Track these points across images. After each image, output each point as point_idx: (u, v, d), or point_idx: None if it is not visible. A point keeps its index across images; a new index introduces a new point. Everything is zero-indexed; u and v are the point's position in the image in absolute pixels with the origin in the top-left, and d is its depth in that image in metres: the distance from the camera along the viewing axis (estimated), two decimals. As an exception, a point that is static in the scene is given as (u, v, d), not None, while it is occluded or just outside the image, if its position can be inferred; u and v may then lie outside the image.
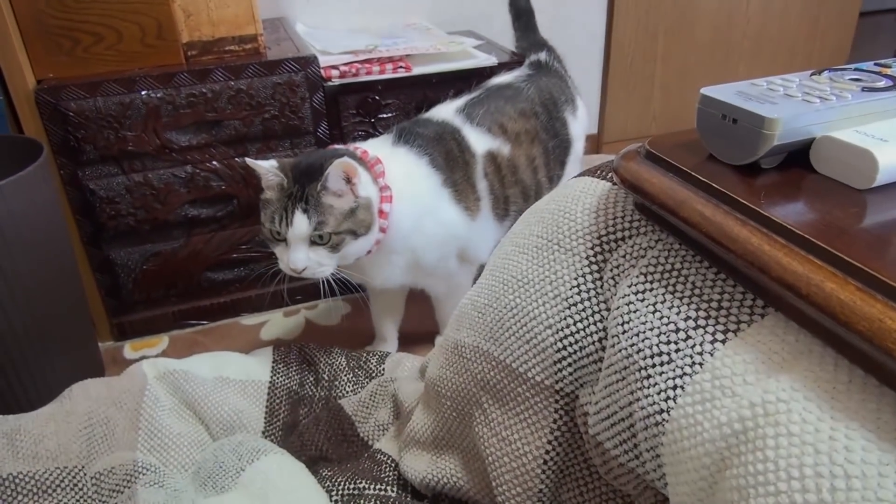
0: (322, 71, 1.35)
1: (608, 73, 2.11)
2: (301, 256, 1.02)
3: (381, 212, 1.07)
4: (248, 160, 1.03)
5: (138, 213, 1.32)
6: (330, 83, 1.37)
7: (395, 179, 1.10)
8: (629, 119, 2.21)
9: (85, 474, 0.94)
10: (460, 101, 1.28)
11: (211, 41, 1.31)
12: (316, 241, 1.02)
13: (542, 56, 1.45)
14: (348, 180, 1.02)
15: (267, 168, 1.02)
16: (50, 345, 1.13)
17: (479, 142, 1.22)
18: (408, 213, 1.11)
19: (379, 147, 1.16)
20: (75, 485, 0.93)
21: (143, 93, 1.23)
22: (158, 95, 1.24)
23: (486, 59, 1.48)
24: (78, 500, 0.91)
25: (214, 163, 1.33)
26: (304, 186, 1.01)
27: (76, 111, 1.21)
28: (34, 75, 1.22)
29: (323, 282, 1.07)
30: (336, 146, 1.15)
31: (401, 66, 1.42)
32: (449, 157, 1.18)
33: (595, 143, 2.20)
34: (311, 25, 1.72)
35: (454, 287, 1.26)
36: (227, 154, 1.33)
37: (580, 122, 1.44)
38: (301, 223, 1.00)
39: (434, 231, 1.16)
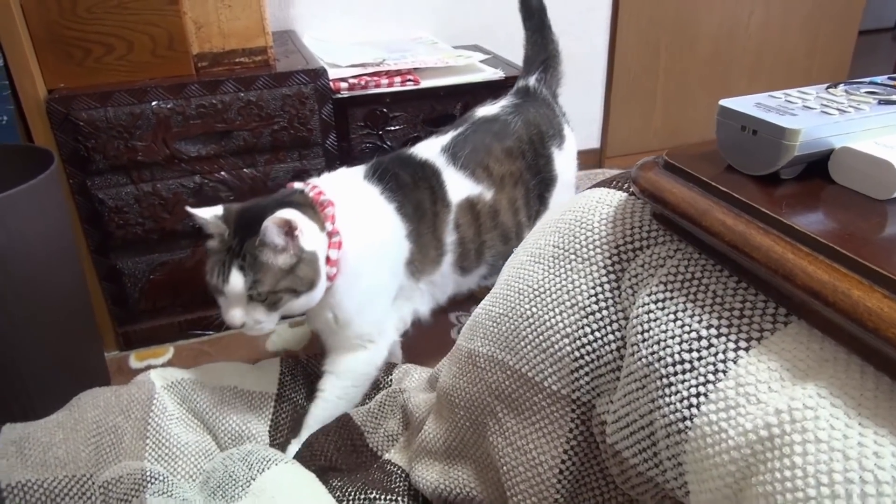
0: (331, 83, 1.36)
1: (611, 87, 2.13)
2: (237, 314, 0.97)
3: (328, 259, 1.01)
4: (189, 209, 0.98)
5: (146, 222, 1.32)
6: (339, 95, 1.38)
7: (352, 219, 1.05)
8: (631, 133, 2.23)
9: (93, 483, 0.93)
10: (446, 139, 1.20)
11: (221, 53, 1.32)
12: (255, 297, 0.97)
13: (531, 81, 1.35)
14: (289, 234, 0.96)
15: (208, 219, 0.98)
16: (56, 353, 1.13)
17: (459, 188, 1.16)
18: (358, 255, 1.05)
19: (346, 181, 1.11)
20: (84, 493, 0.92)
21: (153, 103, 1.24)
22: (169, 106, 1.25)
23: (493, 73, 1.50)
24: (87, 510, 0.91)
25: (223, 173, 1.33)
26: (242, 240, 0.96)
27: (86, 121, 1.21)
28: (45, 85, 1.23)
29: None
30: (293, 185, 1.09)
31: (409, 80, 1.43)
32: (419, 208, 1.12)
33: (598, 158, 2.22)
34: (318, 39, 1.74)
35: (350, 375, 1.13)
36: (235, 165, 1.34)
37: (567, 154, 1.35)
38: (237, 281, 0.95)
39: (372, 281, 1.10)
